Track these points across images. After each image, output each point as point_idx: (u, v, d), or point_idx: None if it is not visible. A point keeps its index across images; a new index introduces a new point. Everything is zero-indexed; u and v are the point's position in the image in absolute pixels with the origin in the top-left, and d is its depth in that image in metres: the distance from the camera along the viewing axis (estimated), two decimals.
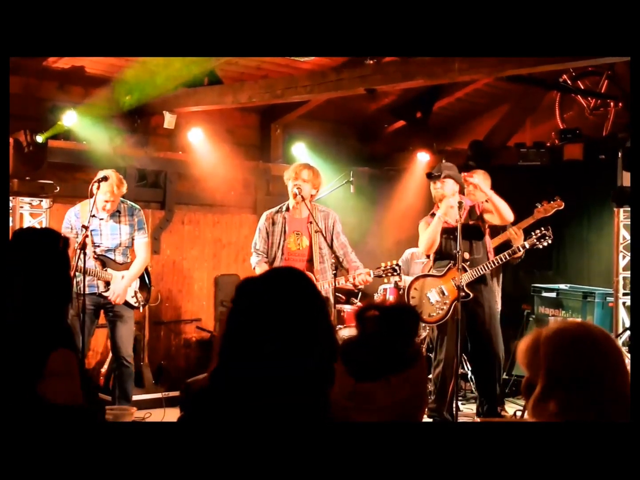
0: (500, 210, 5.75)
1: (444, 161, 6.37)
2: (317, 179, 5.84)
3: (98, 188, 5.66)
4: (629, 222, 6.06)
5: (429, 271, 6.08)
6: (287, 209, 5.92)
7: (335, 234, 5.84)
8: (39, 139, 6.31)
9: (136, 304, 6.00)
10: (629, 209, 6.05)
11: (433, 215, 5.91)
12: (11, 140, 6.22)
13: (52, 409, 2.19)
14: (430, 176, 5.93)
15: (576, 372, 1.80)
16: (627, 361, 1.94)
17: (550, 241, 5.86)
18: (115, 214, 5.88)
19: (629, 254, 6.07)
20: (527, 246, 5.87)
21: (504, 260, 5.86)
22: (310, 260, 5.80)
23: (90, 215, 5.67)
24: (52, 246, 2.47)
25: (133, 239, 5.98)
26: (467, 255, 5.74)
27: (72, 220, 5.85)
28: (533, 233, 5.93)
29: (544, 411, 1.79)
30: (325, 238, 5.71)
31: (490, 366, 5.85)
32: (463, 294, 5.61)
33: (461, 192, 5.98)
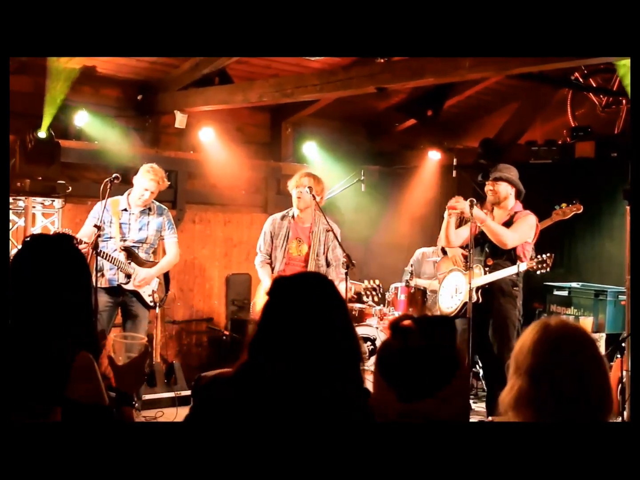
0: (493, 237, 5.60)
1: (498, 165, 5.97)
2: (318, 185, 5.98)
3: (110, 186, 5.67)
4: None
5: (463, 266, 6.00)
6: (293, 216, 6.14)
7: (332, 247, 6.06)
8: (42, 134, 6.33)
9: (151, 303, 6.05)
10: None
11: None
12: (18, 141, 6.27)
13: (80, 409, 2.24)
14: (484, 177, 5.82)
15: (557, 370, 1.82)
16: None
17: (548, 269, 5.66)
18: (146, 211, 6.01)
19: None
20: (525, 268, 5.59)
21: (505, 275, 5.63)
22: (307, 267, 6.05)
23: (122, 209, 5.89)
24: (70, 250, 2.49)
25: (161, 239, 6.11)
26: (490, 261, 5.62)
27: (100, 212, 5.83)
28: (537, 256, 5.74)
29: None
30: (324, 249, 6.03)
31: (493, 369, 5.81)
32: (474, 296, 5.58)
33: (518, 196, 5.78)
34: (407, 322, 1.81)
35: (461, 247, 5.92)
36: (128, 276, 5.88)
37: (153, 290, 6.05)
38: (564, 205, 6.38)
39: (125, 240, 5.91)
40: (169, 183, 6.16)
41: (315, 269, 5.98)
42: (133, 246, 5.95)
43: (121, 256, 5.85)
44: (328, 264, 6.05)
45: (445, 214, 5.75)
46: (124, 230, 5.92)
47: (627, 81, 6.50)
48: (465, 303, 5.66)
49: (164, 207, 6.22)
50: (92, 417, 2.23)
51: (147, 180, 5.91)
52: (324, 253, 6.05)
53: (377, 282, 5.92)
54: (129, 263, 5.89)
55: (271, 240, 6.15)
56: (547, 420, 1.77)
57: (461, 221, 5.81)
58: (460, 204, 5.57)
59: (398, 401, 1.74)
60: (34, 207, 6.54)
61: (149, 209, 6.04)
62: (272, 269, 6.12)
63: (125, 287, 5.88)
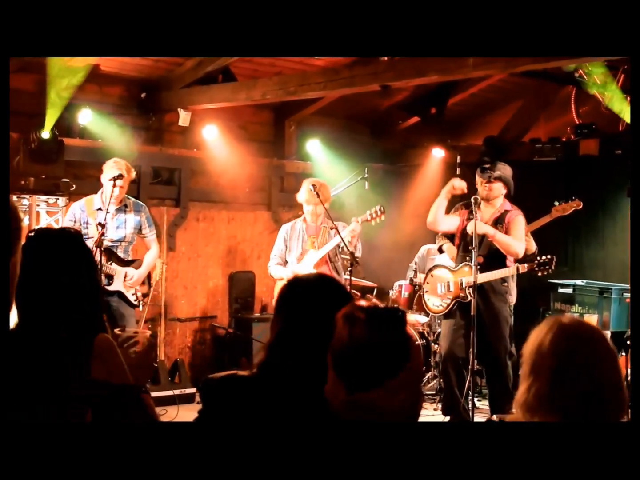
0: (505, 248, 5.65)
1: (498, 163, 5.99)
2: (323, 194, 6.07)
3: (114, 186, 5.70)
4: None
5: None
6: (304, 220, 6.33)
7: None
8: (45, 134, 6.32)
9: (135, 302, 6.00)
10: None
11: (465, 205, 5.83)
12: (22, 139, 6.27)
13: (108, 388, 2.25)
14: (483, 171, 5.85)
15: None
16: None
17: (550, 271, 5.71)
18: (122, 208, 5.95)
19: None
20: (526, 269, 5.65)
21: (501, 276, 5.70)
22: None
23: (97, 209, 5.83)
24: (78, 244, 2.49)
25: (140, 235, 6.06)
26: (480, 259, 5.62)
27: (76, 214, 5.90)
28: (537, 258, 5.77)
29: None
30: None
31: (492, 367, 5.85)
32: (463, 294, 5.62)
33: (508, 196, 5.88)
34: (358, 312, 1.81)
35: (455, 245, 5.98)
36: (109, 277, 5.82)
37: (136, 289, 6.00)
38: (563, 202, 6.41)
39: (103, 240, 5.83)
40: (135, 172, 6.05)
41: (329, 258, 6.19)
42: (112, 246, 5.89)
43: (101, 257, 5.78)
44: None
45: (443, 193, 5.85)
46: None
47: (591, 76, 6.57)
48: (456, 302, 5.71)
49: (142, 203, 6.17)
50: (122, 396, 2.24)
51: (113, 174, 5.82)
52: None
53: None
54: (110, 264, 5.83)
55: (285, 244, 6.32)
56: (569, 420, 1.77)
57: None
58: (461, 184, 5.80)
59: (345, 391, 1.74)
60: (38, 205, 6.54)
61: (125, 205, 5.97)
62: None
63: (107, 288, 5.79)
